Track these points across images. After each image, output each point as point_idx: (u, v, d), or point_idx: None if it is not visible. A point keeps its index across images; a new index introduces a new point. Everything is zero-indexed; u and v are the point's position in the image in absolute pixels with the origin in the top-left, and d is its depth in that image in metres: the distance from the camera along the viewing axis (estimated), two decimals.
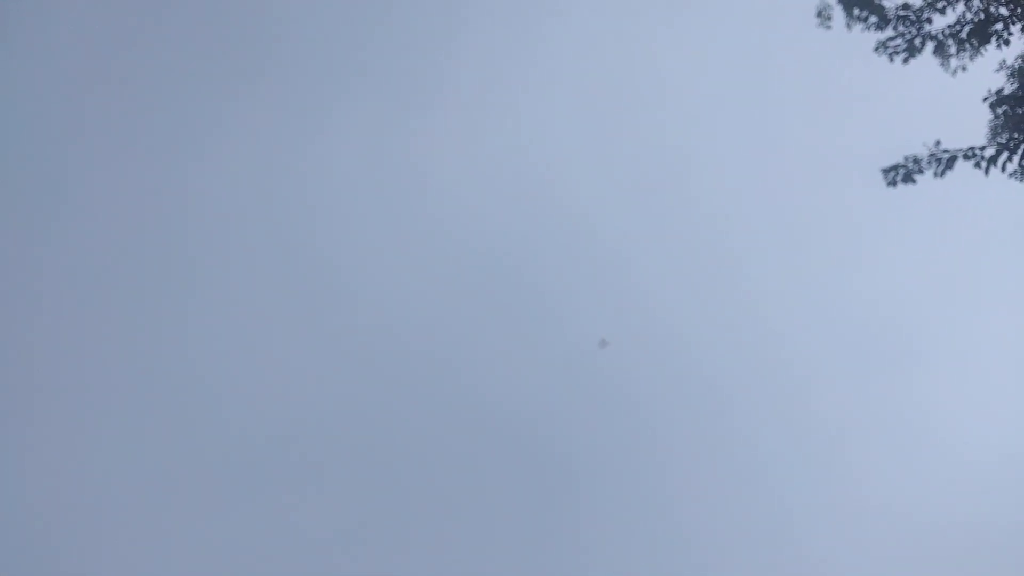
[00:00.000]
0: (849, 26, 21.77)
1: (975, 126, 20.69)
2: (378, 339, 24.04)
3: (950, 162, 21.16)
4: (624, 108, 23.57)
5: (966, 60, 21.13)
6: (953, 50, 21.06)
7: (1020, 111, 20.53)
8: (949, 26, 21.04)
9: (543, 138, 24.39)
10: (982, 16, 20.61)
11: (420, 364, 23.72)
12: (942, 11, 21.18)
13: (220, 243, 24.68)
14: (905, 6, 21.27)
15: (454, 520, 22.79)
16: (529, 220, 24.39)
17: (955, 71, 21.33)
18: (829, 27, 21.83)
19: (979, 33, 20.74)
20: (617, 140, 23.65)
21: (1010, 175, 21.18)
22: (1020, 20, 20.42)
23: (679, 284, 23.75)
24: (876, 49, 21.15)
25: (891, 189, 21.44)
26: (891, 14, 21.23)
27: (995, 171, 20.94)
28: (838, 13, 21.91)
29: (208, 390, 23.49)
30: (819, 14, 21.94)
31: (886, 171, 21.26)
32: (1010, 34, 20.59)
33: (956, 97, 21.13)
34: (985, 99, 20.89)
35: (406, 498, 22.95)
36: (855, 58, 22.53)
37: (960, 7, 20.87)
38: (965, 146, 21.04)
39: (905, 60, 21.17)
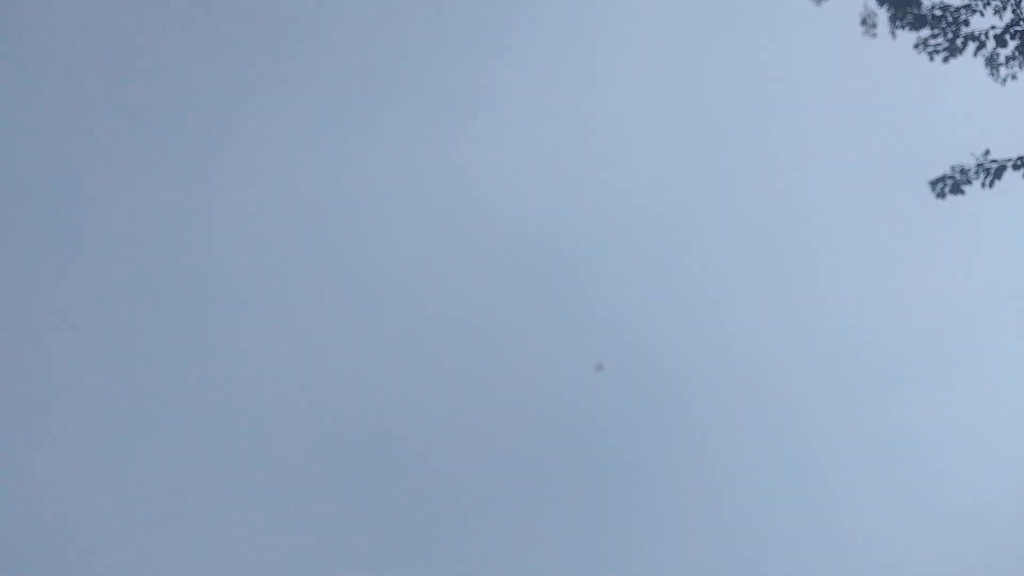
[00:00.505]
0: (894, 33, 21.37)
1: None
2: (422, 344, 23.97)
3: (998, 172, 20.74)
4: (675, 111, 23.27)
5: (1016, 68, 20.67)
6: (1002, 58, 20.62)
7: None
8: (995, 32, 20.60)
9: (594, 141, 24.13)
10: None
11: (468, 365, 23.62)
12: (982, 13, 20.76)
13: (261, 253, 24.69)
14: (944, 6, 20.88)
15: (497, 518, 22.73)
16: (580, 223, 24.17)
17: (1004, 80, 20.88)
18: (874, 35, 21.45)
19: None
20: (666, 144, 23.36)
21: None
22: None
23: (732, 286, 23.45)
24: (916, 47, 20.74)
25: (939, 201, 21.06)
26: (931, 14, 20.84)
27: None
28: (882, 19, 21.52)
29: (257, 392, 23.54)
30: (864, 22, 21.55)
31: (933, 183, 20.86)
32: None
33: (1006, 106, 20.66)
34: None
35: (456, 498, 22.87)
36: (903, 67, 22.14)
37: (1007, 14, 20.42)
38: (1015, 156, 20.63)
39: (945, 59, 20.74)
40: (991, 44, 20.76)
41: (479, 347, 23.18)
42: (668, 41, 23.72)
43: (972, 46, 20.70)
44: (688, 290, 23.50)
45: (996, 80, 20.86)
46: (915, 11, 21.03)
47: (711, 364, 22.98)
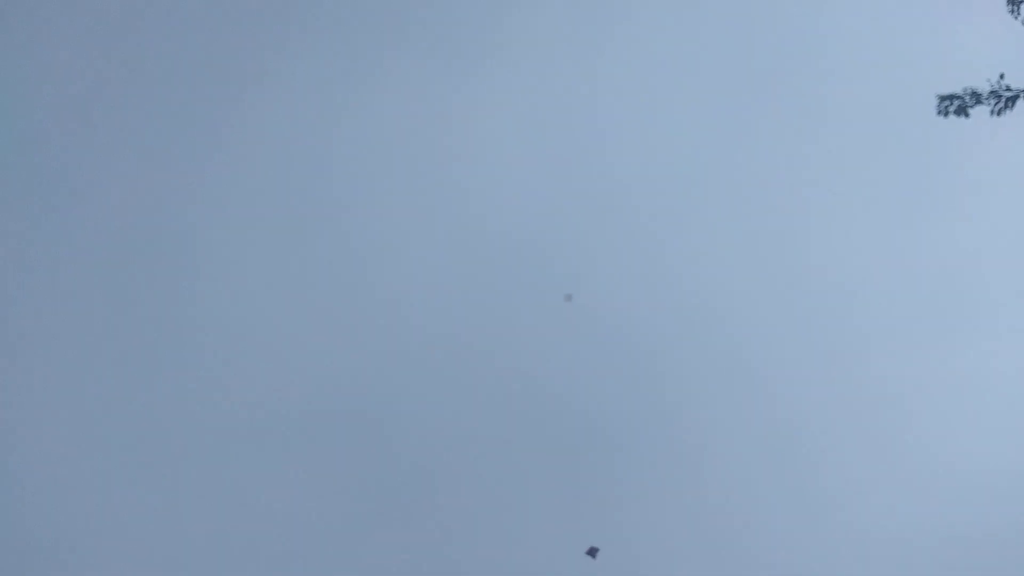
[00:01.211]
0: None
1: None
2: (406, 312, 23.07)
3: (1011, 101, 20.10)
4: (684, 68, 22.90)
5: None
6: None
7: None
8: None
9: (597, 101, 23.68)
10: None
11: (448, 340, 22.67)
12: None
13: (252, 201, 24.12)
14: None
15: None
16: (577, 187, 23.49)
17: None
18: None
19: None
20: (672, 102, 22.88)
21: None
22: None
23: (727, 244, 22.47)
24: None
25: (941, 119, 20.33)
26: None
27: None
28: None
29: (231, 368, 22.68)
30: None
31: (941, 98, 20.18)
32: None
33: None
34: None
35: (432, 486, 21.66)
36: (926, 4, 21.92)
37: None
38: None
39: None
40: None
41: (461, 311, 22.48)
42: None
43: None
44: (671, 249, 22.65)
45: (1016, 18, 20.48)
46: None
47: (695, 327, 21.97)
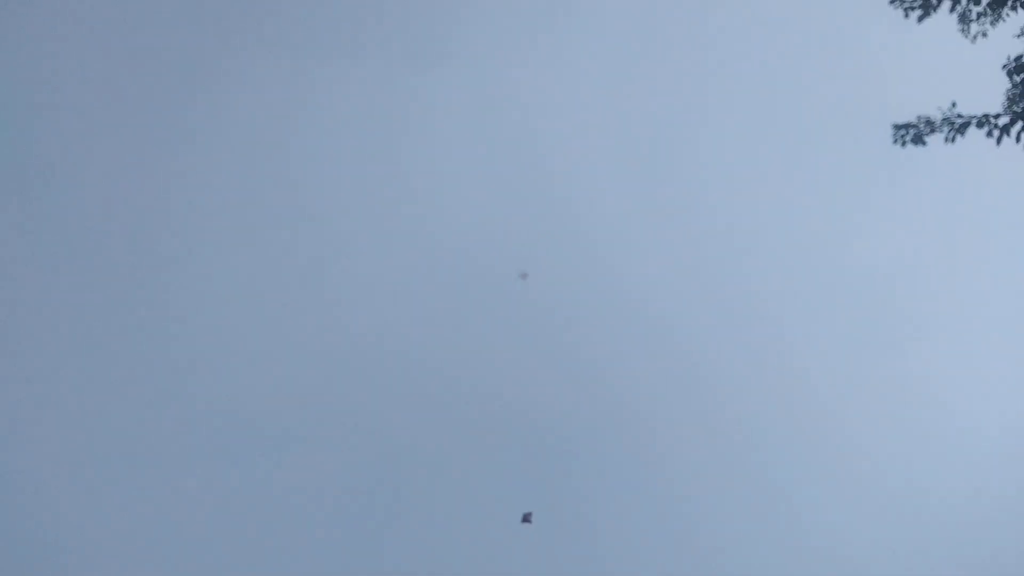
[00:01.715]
0: None
1: (995, 94, 20.42)
2: (372, 309, 23.51)
3: (962, 128, 20.81)
4: (640, 65, 23.29)
5: (987, 26, 20.92)
6: (973, 15, 20.87)
7: None
8: None
9: (558, 103, 24.01)
10: None
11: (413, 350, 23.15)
12: None
13: (214, 196, 24.29)
14: None
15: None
16: (534, 191, 23.95)
17: (975, 37, 21.12)
18: None
19: None
20: (629, 101, 23.30)
21: None
22: None
23: (674, 260, 23.16)
24: (892, 2, 20.92)
25: (900, 150, 21.06)
26: None
27: (1008, 141, 20.62)
28: None
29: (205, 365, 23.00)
30: None
31: (897, 128, 20.88)
32: None
33: (976, 64, 20.87)
34: (1004, 66, 20.60)
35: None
36: (878, 24, 22.39)
37: None
38: (981, 113, 20.72)
39: (920, 18, 20.94)
40: (970, 7, 21.03)
41: (421, 317, 22.83)
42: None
43: (947, 3, 20.95)
44: (634, 252, 23.25)
45: (967, 37, 21.10)
46: None
47: (642, 337, 22.66)
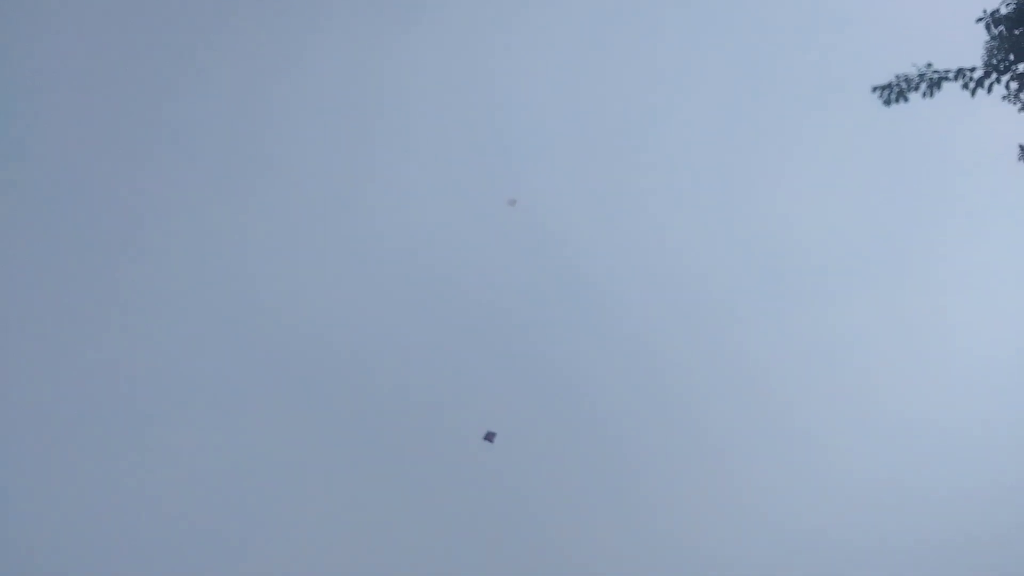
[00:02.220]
0: None
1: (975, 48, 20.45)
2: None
3: (938, 83, 20.82)
4: (615, 34, 22.31)
5: None
6: None
7: (1016, 32, 20.26)
8: None
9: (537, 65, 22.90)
10: None
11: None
12: None
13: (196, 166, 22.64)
14: None
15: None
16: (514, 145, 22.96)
17: None
18: None
19: None
20: (600, 69, 22.37)
21: (1003, 98, 21.01)
22: None
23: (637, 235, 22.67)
24: None
25: (885, 108, 20.96)
26: None
27: (982, 94, 20.78)
28: None
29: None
30: None
31: (880, 89, 20.74)
32: None
33: (957, 19, 20.77)
34: (979, 19, 20.58)
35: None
36: None
37: None
38: (955, 68, 20.74)
39: None
40: None
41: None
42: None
43: None
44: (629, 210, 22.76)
45: None
46: None
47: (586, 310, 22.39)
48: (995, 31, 20.42)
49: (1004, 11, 20.25)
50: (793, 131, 21.95)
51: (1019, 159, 21.53)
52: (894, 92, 20.71)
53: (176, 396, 21.49)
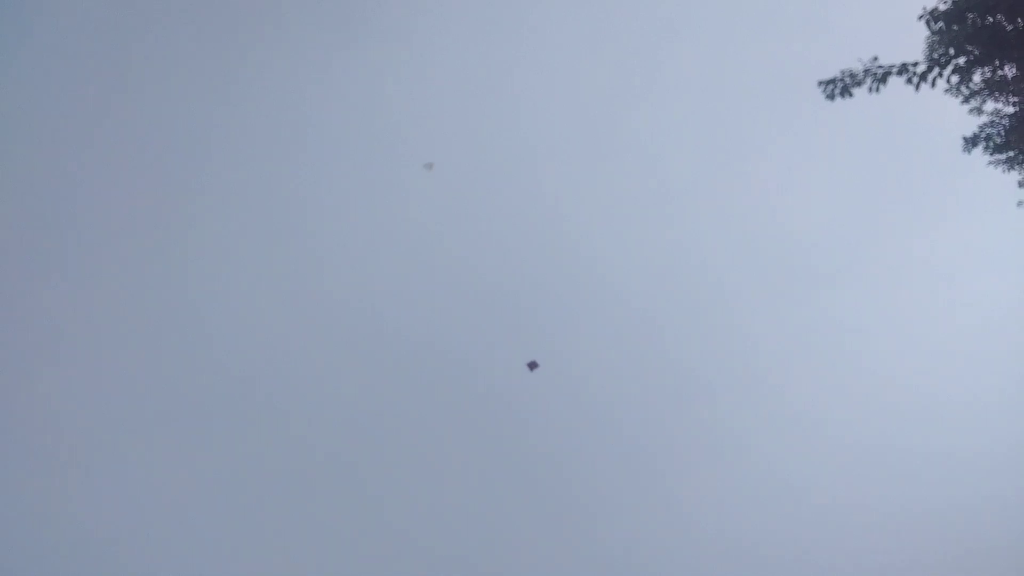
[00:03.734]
0: None
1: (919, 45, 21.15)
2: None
3: (883, 77, 21.54)
4: (589, 25, 22.94)
5: None
6: None
7: (955, 28, 21.01)
8: None
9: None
10: None
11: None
12: None
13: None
14: None
15: None
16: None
17: None
18: None
19: None
20: (575, 61, 23.00)
21: (945, 91, 21.78)
22: None
23: (613, 208, 23.36)
24: None
25: (828, 103, 21.74)
26: None
27: (927, 87, 21.50)
28: None
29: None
30: None
31: (824, 84, 21.51)
32: None
33: (900, 17, 21.46)
34: (920, 16, 21.31)
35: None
36: None
37: None
38: (899, 63, 21.46)
39: None
40: None
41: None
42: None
43: None
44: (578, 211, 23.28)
45: None
46: None
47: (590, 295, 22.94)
48: (935, 27, 21.17)
49: (943, 8, 21.00)
50: (779, 125, 22.60)
51: (962, 151, 22.30)
52: (838, 87, 21.44)
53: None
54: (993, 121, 22.66)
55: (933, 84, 21.41)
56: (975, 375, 23.56)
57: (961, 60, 21.24)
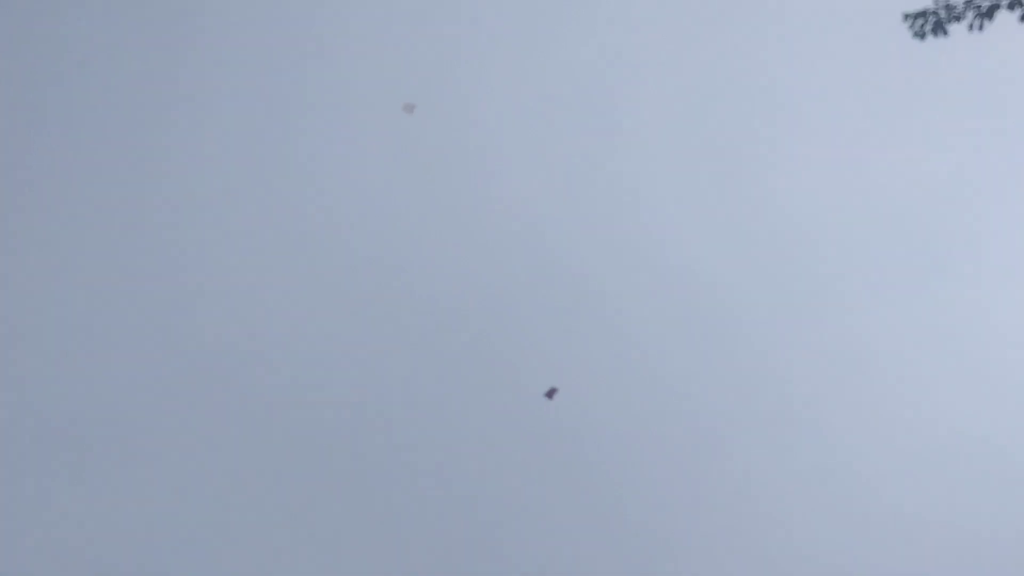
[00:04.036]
0: None
1: None
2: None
3: (990, 11, 16.36)
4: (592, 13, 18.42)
5: None
6: None
7: None
8: None
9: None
10: None
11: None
12: None
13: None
14: None
15: None
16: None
17: None
18: None
19: None
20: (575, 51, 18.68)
21: None
22: None
23: (669, 170, 19.13)
24: None
25: (917, 42, 16.56)
26: None
27: None
28: None
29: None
30: None
31: (912, 17, 16.23)
32: None
33: None
34: None
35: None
36: None
37: None
38: None
39: None
40: None
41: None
42: None
43: None
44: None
45: None
46: None
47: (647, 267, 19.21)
48: None
49: None
50: (794, 86, 17.61)
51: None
52: (930, 23, 16.26)
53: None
54: None
55: None
56: None
57: None
